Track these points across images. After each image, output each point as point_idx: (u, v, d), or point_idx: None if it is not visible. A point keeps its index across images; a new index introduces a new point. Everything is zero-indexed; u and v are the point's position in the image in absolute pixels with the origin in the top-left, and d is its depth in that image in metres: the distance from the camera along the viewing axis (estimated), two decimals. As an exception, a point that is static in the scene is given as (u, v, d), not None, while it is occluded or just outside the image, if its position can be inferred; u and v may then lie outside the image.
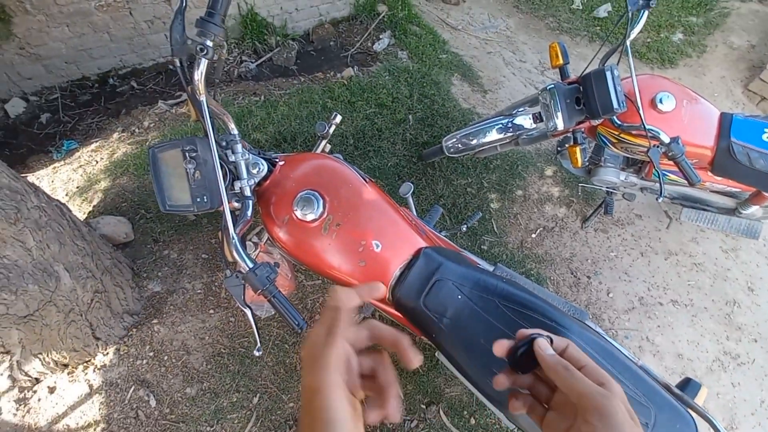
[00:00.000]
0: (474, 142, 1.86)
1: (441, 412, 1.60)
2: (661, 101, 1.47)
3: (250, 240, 1.17)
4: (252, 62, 2.92)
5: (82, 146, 2.26)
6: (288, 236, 0.98)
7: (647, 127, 1.35)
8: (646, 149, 1.42)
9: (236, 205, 0.98)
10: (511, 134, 1.77)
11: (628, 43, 1.38)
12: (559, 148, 2.02)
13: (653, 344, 1.85)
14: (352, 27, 3.27)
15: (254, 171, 0.99)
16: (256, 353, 0.85)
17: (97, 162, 2.15)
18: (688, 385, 1.00)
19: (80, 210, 1.93)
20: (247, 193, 0.95)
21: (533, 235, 2.17)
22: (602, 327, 1.89)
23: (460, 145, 1.93)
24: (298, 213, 0.94)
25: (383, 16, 3.20)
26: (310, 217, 0.94)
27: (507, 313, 0.95)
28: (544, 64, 3.20)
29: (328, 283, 1.81)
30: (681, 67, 3.11)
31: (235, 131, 0.95)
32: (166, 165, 0.90)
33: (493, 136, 1.80)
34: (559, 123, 1.47)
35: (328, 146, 1.34)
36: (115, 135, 2.30)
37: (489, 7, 3.62)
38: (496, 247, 2.07)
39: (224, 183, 0.93)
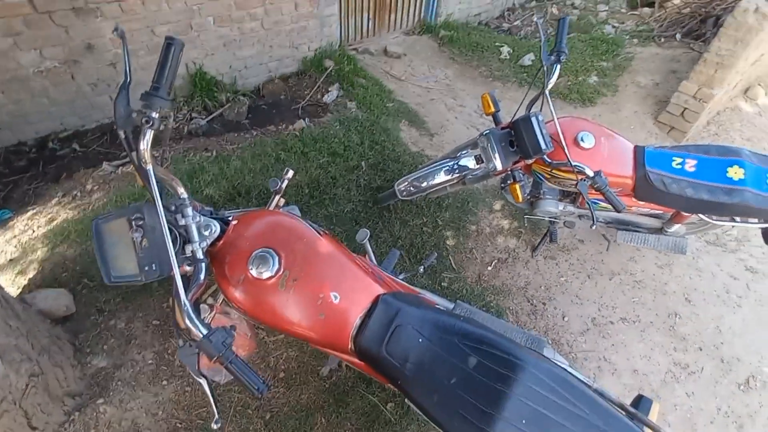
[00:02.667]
0: (424, 184, 1.96)
1: (417, 461, 1.55)
2: (582, 139, 1.64)
3: (204, 302, 1.13)
4: (202, 119, 2.94)
5: (16, 215, 2.12)
6: (244, 296, 0.97)
7: (573, 163, 1.51)
8: (575, 182, 1.57)
9: (188, 269, 0.97)
10: (457, 175, 1.88)
11: (546, 92, 1.56)
12: (502, 185, 2.17)
13: (610, 363, 1.93)
14: (302, 81, 3.41)
15: (206, 233, 0.99)
16: (215, 426, 0.81)
17: (33, 230, 2.02)
18: (640, 402, 1.06)
19: (14, 284, 1.78)
20: (200, 255, 0.94)
21: (489, 268, 2.26)
22: (562, 351, 1.96)
23: (411, 188, 2.02)
24: (254, 271, 0.94)
25: (330, 71, 3.38)
26: (266, 274, 0.95)
27: (467, 351, 0.98)
28: (481, 109, 3.48)
29: (290, 338, 1.76)
30: (599, 105, 3.50)
31: (185, 195, 0.95)
32: (111, 235, 0.88)
33: (442, 177, 1.91)
34: (498, 164, 1.61)
35: (282, 201, 1.36)
36: (55, 200, 2.18)
37: (428, 60, 3.94)
38: (456, 282, 2.13)
39: (174, 248, 0.92)
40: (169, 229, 0.92)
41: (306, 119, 2.98)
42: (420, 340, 0.99)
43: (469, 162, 1.86)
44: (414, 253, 2.20)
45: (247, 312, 0.98)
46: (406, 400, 1.31)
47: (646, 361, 1.97)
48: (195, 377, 0.80)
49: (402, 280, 1.56)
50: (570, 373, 1.08)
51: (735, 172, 1.65)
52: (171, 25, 2.59)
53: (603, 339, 2.03)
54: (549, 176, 1.74)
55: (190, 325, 0.81)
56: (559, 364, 1.10)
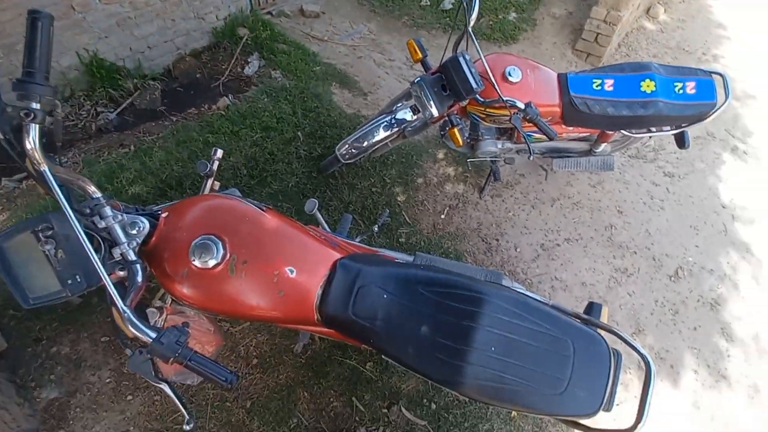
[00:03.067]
0: (365, 144, 1.92)
1: (403, 410, 1.62)
2: (510, 74, 1.67)
3: (153, 306, 1.05)
4: (111, 112, 2.63)
5: None
6: (193, 289, 0.90)
7: (505, 98, 1.53)
8: (509, 117, 1.60)
9: (122, 273, 0.88)
10: (396, 129, 1.86)
11: (469, 29, 1.54)
12: (441, 132, 2.18)
13: (561, 281, 2.10)
14: (216, 55, 3.12)
15: (134, 231, 0.89)
16: (187, 427, 0.77)
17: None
18: (592, 308, 1.15)
19: None
20: (131, 257, 0.85)
21: (442, 216, 2.31)
22: (518, 279, 2.09)
23: (353, 150, 1.97)
24: (197, 262, 0.88)
25: (246, 40, 3.12)
26: (211, 262, 0.89)
27: (432, 297, 1.00)
28: (411, 60, 3.42)
29: (256, 323, 1.71)
30: (522, 41, 3.57)
31: (98, 194, 0.85)
32: (18, 254, 0.77)
33: (381, 134, 1.88)
34: (434, 110, 1.60)
35: (217, 184, 1.27)
36: (-51, 232, 1.88)
37: (348, 15, 3.75)
38: (413, 236, 2.16)
39: (99, 254, 0.83)
40: (89, 234, 0.83)
41: (229, 96, 2.76)
42: (385, 296, 1.00)
43: (406, 114, 1.84)
44: (367, 215, 2.19)
45: (200, 306, 0.92)
46: (383, 356, 1.35)
47: (592, 273, 2.16)
48: (154, 384, 0.75)
49: (359, 242, 1.55)
50: (528, 296, 1.14)
51: (647, 85, 1.76)
52: (48, 9, 2.22)
53: (552, 261, 2.18)
54: (484, 116, 1.77)
55: (135, 331, 0.74)
56: (517, 290, 1.17)
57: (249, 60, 3.04)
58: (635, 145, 2.77)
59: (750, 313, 2.13)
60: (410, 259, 1.53)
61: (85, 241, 0.75)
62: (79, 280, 0.79)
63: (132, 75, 2.75)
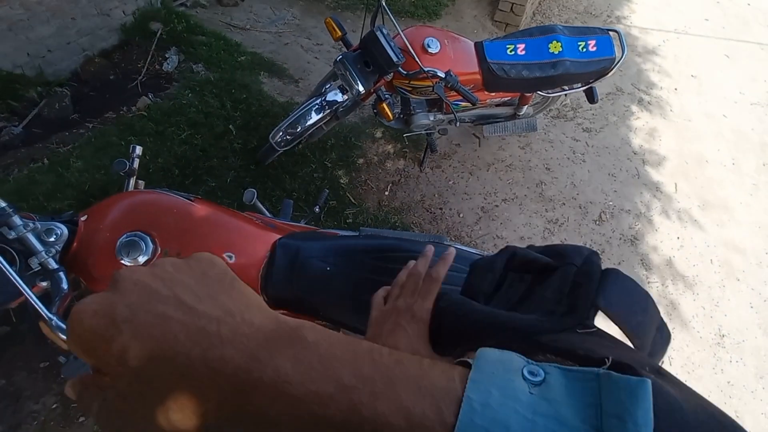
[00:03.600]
0: (299, 129, 1.91)
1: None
2: (429, 45, 1.72)
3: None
4: (15, 125, 2.39)
5: None
6: (126, 289, 0.88)
7: (425, 69, 1.59)
8: (432, 87, 1.67)
9: (44, 284, 0.84)
10: (328, 110, 1.87)
11: (383, 3, 1.57)
12: (374, 111, 2.22)
13: (501, 238, 2.25)
14: (129, 54, 2.92)
15: (51, 239, 0.85)
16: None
17: None
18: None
19: None
20: (52, 266, 0.81)
21: (386, 193, 2.37)
22: (464, 242, 2.20)
23: (287, 137, 1.96)
24: (126, 261, 0.86)
25: (161, 34, 2.93)
26: (142, 259, 0.87)
27: (375, 263, 1.05)
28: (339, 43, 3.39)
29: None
30: (444, 16, 3.66)
31: (2, 203, 0.79)
32: None
33: (314, 117, 1.88)
34: (360, 87, 1.62)
35: (142, 183, 1.22)
36: None
37: (269, 1, 3.63)
38: (359, 215, 2.20)
39: (14, 267, 0.79)
40: (-2, 247, 0.78)
41: (149, 95, 2.60)
42: (328, 269, 1.03)
43: (336, 95, 1.85)
44: (311, 200, 2.19)
45: (137, 303, 0.90)
46: (341, 330, 1.39)
47: (528, 228, 2.33)
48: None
49: (304, 225, 1.57)
50: (465, 250, 1.23)
51: (554, 47, 1.90)
52: None
53: (492, 221, 2.32)
54: (410, 89, 1.82)
55: (64, 337, 0.72)
56: (456, 246, 1.25)
57: (167, 55, 2.87)
58: (555, 106, 2.98)
59: (663, 242, 2.41)
60: (355, 233, 1.57)
61: (-6, 254, 0.71)
62: (-6, 295, 0.74)
63: (34, 83, 2.50)
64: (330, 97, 1.86)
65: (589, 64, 1.95)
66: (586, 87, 2.13)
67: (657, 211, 2.55)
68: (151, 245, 0.88)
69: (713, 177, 2.85)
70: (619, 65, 1.97)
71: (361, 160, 2.48)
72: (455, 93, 1.69)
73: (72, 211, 1.10)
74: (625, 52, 1.98)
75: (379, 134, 2.65)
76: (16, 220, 0.80)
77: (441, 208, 2.35)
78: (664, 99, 3.34)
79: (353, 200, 2.27)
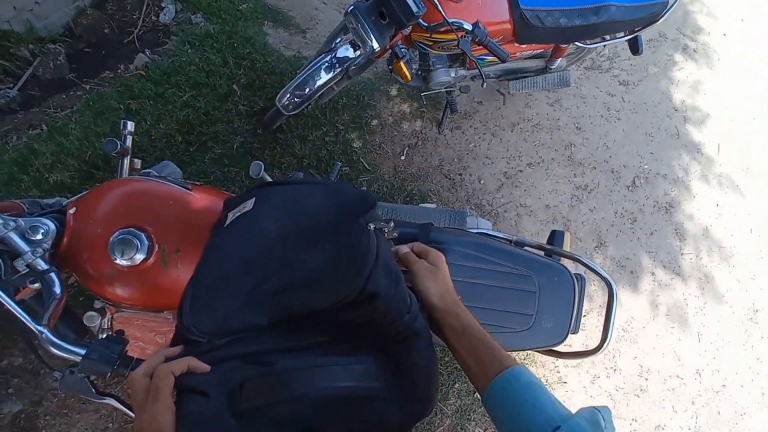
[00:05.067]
0: (307, 90, 1.74)
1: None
2: (453, -9, 1.49)
3: (93, 309, 0.95)
4: (10, 88, 2.26)
5: None
6: (125, 290, 0.81)
7: (450, 20, 1.38)
8: (457, 41, 1.46)
9: (36, 286, 0.77)
10: (339, 69, 1.68)
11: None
12: (389, 67, 2.01)
13: (526, 207, 2.12)
14: (123, 3, 2.68)
15: (37, 236, 0.77)
16: None
17: None
18: (555, 236, 1.14)
19: None
20: (41, 267, 0.74)
21: (402, 158, 2.22)
22: (484, 212, 2.09)
23: (295, 99, 1.79)
24: (121, 260, 0.78)
25: (153, -20, 2.67)
26: (138, 257, 0.78)
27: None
28: (348, -16, 3.07)
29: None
30: (467, -51, 3.24)
31: (-23, 201, 0.70)
32: None
33: (324, 77, 1.70)
34: (375, 43, 1.43)
35: (138, 161, 1.12)
36: None
37: (269, -64, 3.25)
38: (374, 183, 2.08)
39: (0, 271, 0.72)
40: (-23, 251, 0.71)
41: (147, 51, 2.42)
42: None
43: (347, 51, 1.65)
44: (323, 167, 2.07)
45: (139, 305, 0.84)
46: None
47: (554, 195, 2.18)
48: (98, 401, 0.68)
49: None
50: (489, 234, 1.12)
51: (598, -10, 1.64)
52: None
53: (516, 188, 2.18)
54: (431, 43, 1.61)
55: (58, 352, 0.66)
56: (481, 230, 1.14)
57: (162, 5, 2.63)
58: (590, 56, 2.69)
59: (700, 210, 2.25)
60: (371, 210, 1.47)
61: (-33, 262, 0.64)
62: (-24, 306, 0.68)
63: (25, 40, 2.33)
64: (341, 53, 1.66)
65: (638, 10, 1.69)
66: (631, 36, 1.87)
67: (696, 176, 2.35)
68: (146, 242, 0.79)
69: (760, 138, 2.59)
70: (672, 10, 1.71)
71: (375, 122, 2.31)
72: (482, 47, 1.48)
73: (59, 199, 1.01)
74: (681, -5, 1.71)
75: (394, 92, 2.44)
76: (-5, 218, 0.71)
77: (460, 174, 2.21)
78: (711, 46, 2.99)
79: (368, 166, 2.14)
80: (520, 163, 2.26)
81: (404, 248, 0.69)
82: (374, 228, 0.61)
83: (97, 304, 1.00)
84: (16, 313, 0.65)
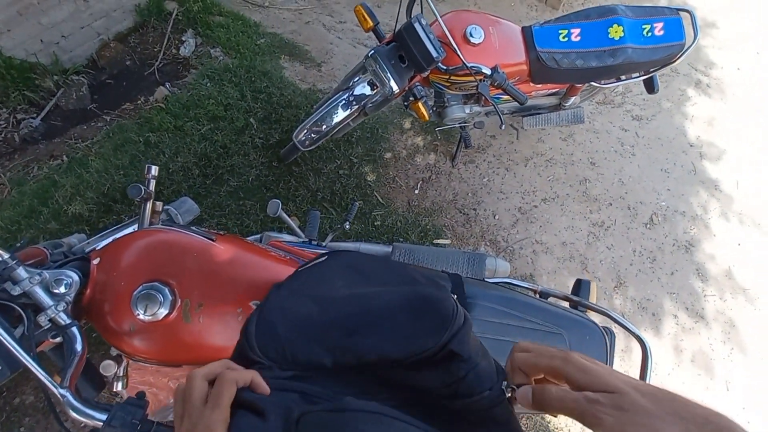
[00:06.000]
0: (324, 127, 1.76)
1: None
2: (471, 35, 1.52)
3: (109, 357, 0.93)
4: (33, 117, 2.32)
5: None
6: (146, 345, 0.79)
7: (469, 65, 1.40)
8: (475, 84, 1.48)
9: (57, 340, 0.76)
10: (356, 107, 1.70)
11: (423, -12, 1.37)
12: (405, 103, 2.03)
13: (542, 244, 2.08)
14: (145, 37, 2.78)
15: (61, 289, 0.76)
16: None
17: None
18: (580, 287, 1.11)
19: None
20: (63, 321, 0.72)
21: (416, 191, 2.22)
22: (500, 248, 2.06)
23: (312, 135, 1.81)
24: (143, 316, 0.76)
25: (176, 15, 2.77)
26: (161, 313, 0.77)
27: None
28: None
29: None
30: (478, -13, 3.34)
31: (4, 255, 0.70)
32: None
33: (341, 114, 1.72)
34: (394, 86, 1.45)
35: (159, 204, 1.12)
36: None
37: (288, -26, 3.38)
38: (388, 217, 2.07)
39: (23, 328, 0.71)
40: (3, 307, 0.70)
41: (167, 84, 2.48)
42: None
43: (364, 89, 1.68)
44: (337, 201, 2.07)
45: (158, 360, 0.81)
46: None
47: (570, 231, 2.15)
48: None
49: (332, 240, 1.45)
50: (515, 284, 1.09)
51: (615, 32, 1.66)
52: None
53: (531, 224, 2.15)
54: (449, 84, 1.63)
55: (77, 416, 0.63)
56: (504, 280, 1.11)
57: (183, 39, 2.72)
58: (603, 91, 2.71)
59: (721, 249, 2.20)
60: (388, 249, 1.45)
61: (-7, 324, 0.62)
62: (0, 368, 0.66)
63: (50, 71, 2.41)
64: (358, 91, 1.69)
65: (655, 51, 1.71)
66: (647, 76, 1.88)
67: (715, 213, 2.31)
68: (169, 297, 0.78)
69: (780, 172, 2.56)
70: (689, 51, 1.72)
71: (388, 155, 2.32)
72: (500, 90, 1.49)
73: (80, 239, 1.01)
74: (698, 36, 1.73)
75: (407, 125, 2.47)
76: (21, 272, 0.70)
77: (474, 209, 2.19)
78: (725, 81, 3.00)
79: (381, 200, 2.13)
80: (534, 198, 2.25)
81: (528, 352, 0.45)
82: None
83: (113, 352, 0.98)
84: (39, 375, 0.63)
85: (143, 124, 2.13)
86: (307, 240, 1.42)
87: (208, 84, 2.35)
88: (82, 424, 0.69)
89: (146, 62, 2.64)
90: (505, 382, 0.47)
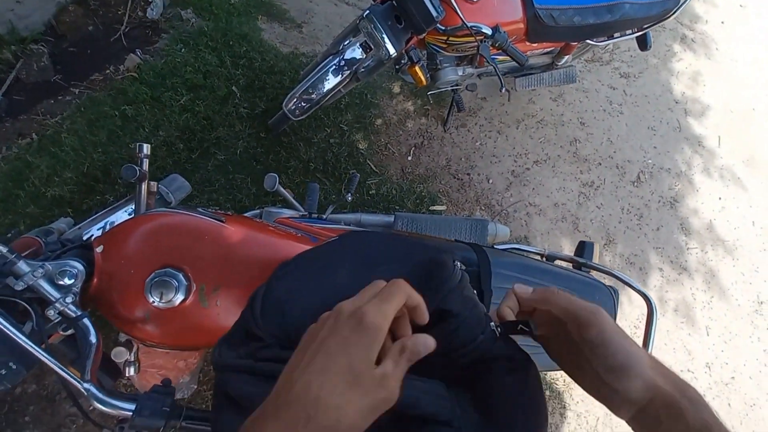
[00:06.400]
0: (315, 95, 1.68)
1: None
2: (469, -8, 1.44)
3: (119, 344, 0.91)
4: (-9, 93, 2.13)
5: None
6: (161, 331, 0.77)
7: (469, 24, 1.34)
8: (475, 45, 1.42)
9: (68, 333, 0.73)
10: (348, 72, 1.63)
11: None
12: (396, 66, 1.95)
13: (535, 206, 2.11)
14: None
15: (66, 280, 0.72)
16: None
17: None
18: (584, 248, 1.14)
19: None
20: (72, 313, 0.69)
21: (409, 158, 2.18)
22: (494, 212, 2.08)
23: (302, 104, 1.73)
24: (159, 303, 0.73)
25: (138, -27, 2.52)
26: (177, 299, 0.74)
27: None
28: (344, -25, 2.95)
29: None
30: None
31: (3, 248, 0.65)
32: None
33: (332, 81, 1.64)
34: (391, 49, 1.38)
35: (154, 185, 1.06)
36: None
37: (258, -77, 3.10)
38: (383, 185, 2.05)
39: (32, 323, 0.67)
40: (5, 302, 0.66)
41: (138, 51, 2.30)
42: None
43: (356, 52, 1.59)
44: (330, 171, 2.02)
45: (174, 345, 0.80)
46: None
47: (562, 193, 2.18)
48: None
49: (332, 214, 1.43)
50: (523, 250, 1.11)
51: (612, -14, 1.60)
52: None
53: (524, 187, 2.17)
54: (446, 45, 1.57)
55: (106, 409, 0.62)
56: (513, 246, 1.13)
57: (149, 0, 2.50)
58: (593, 49, 2.67)
59: (703, 204, 2.28)
60: (390, 219, 1.44)
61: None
62: (14, 367, 0.63)
63: (6, 41, 2.19)
64: (349, 55, 1.61)
65: (651, 7, 1.67)
66: (640, 33, 1.85)
67: (698, 169, 2.38)
68: (184, 282, 0.75)
69: (761, 129, 2.63)
70: (685, 6, 1.69)
71: (379, 121, 2.26)
72: (498, 49, 1.45)
73: (83, 231, 0.96)
74: (693, -10, 1.69)
75: (396, 89, 2.39)
76: (23, 266, 0.66)
77: (468, 174, 2.18)
78: (709, 35, 2.99)
79: (375, 168, 2.09)
80: (527, 161, 2.25)
81: (529, 288, 0.51)
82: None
83: (123, 338, 0.96)
84: (58, 371, 0.61)
85: (116, 96, 1.99)
86: (306, 214, 1.39)
87: (183, 50, 2.19)
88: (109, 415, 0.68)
89: (111, 27, 2.42)
90: (492, 323, 0.50)
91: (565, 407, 1.81)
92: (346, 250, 0.66)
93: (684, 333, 1.95)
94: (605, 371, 0.38)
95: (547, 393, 1.79)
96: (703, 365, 1.90)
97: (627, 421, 0.39)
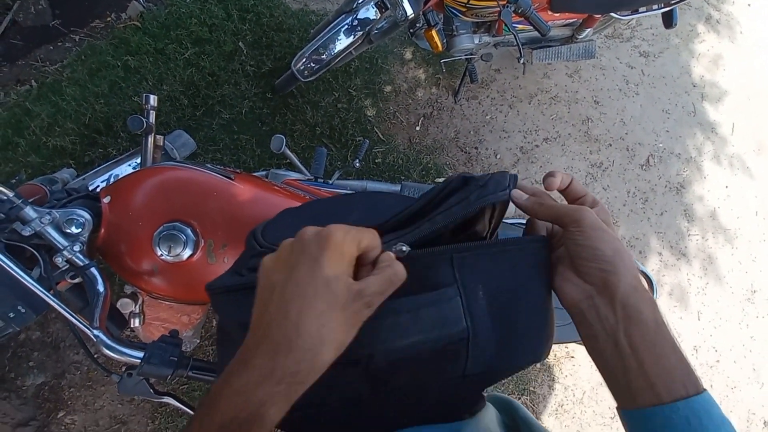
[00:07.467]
0: (325, 56, 1.62)
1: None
2: (493, -49, 1.36)
3: (124, 295, 0.92)
4: (-13, 35, 2.05)
5: None
6: (169, 284, 0.78)
7: (491, -13, 1.27)
8: (497, 10, 1.36)
9: (75, 280, 0.73)
10: (360, 33, 1.56)
11: None
12: (410, 30, 1.88)
13: (541, 184, 2.09)
14: (105, -62, 2.39)
15: (73, 229, 0.71)
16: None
17: None
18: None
19: None
20: (80, 262, 0.69)
21: (417, 128, 2.14)
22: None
23: (312, 65, 1.67)
24: (167, 257, 0.73)
25: None
26: (186, 254, 0.74)
27: None
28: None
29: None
30: None
31: (8, 193, 0.64)
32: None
33: (344, 42, 1.58)
34: (409, 9, 1.33)
35: (160, 138, 1.04)
36: None
37: None
38: (389, 154, 2.02)
39: (41, 269, 0.68)
40: (15, 248, 0.66)
41: (140, -1, 2.19)
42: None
43: (369, 12, 1.53)
44: (337, 137, 1.98)
45: (181, 299, 0.81)
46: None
47: (570, 172, 2.15)
48: (156, 400, 0.67)
49: (339, 179, 1.41)
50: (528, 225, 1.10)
51: (645, -45, 1.52)
52: None
53: (532, 164, 2.14)
54: (465, 9, 1.50)
55: (115, 356, 0.63)
56: (517, 221, 1.12)
57: (152, -57, 2.36)
58: (615, 24, 2.56)
59: (709, 191, 2.27)
60: (397, 188, 1.43)
61: (8, 263, 0.59)
62: (23, 310, 0.64)
63: (-1, -21, 2.08)
64: (362, 14, 1.54)
65: (682, -21, 1.59)
66: (667, 9, 1.77)
67: (708, 156, 2.35)
68: (193, 237, 0.75)
69: (776, 116, 2.57)
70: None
71: (388, 88, 2.20)
72: (519, 17, 1.38)
73: (88, 181, 0.95)
74: (728, -36, 1.60)
75: (408, 55, 2.31)
76: (30, 212, 0.66)
77: (476, 148, 2.15)
78: (734, 17, 2.87)
79: (382, 137, 2.06)
80: (536, 138, 2.21)
81: (524, 195, 0.48)
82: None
83: (128, 289, 0.96)
84: (68, 316, 0.62)
85: (119, 45, 1.91)
86: (312, 178, 1.38)
87: (188, 0, 2.09)
88: (118, 362, 0.69)
89: (111, -30, 2.30)
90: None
91: (553, 380, 1.87)
92: (355, 201, 0.65)
93: (676, 316, 2.00)
94: (595, 265, 0.39)
95: (538, 366, 1.85)
96: (691, 348, 1.95)
97: (578, 303, 0.40)
